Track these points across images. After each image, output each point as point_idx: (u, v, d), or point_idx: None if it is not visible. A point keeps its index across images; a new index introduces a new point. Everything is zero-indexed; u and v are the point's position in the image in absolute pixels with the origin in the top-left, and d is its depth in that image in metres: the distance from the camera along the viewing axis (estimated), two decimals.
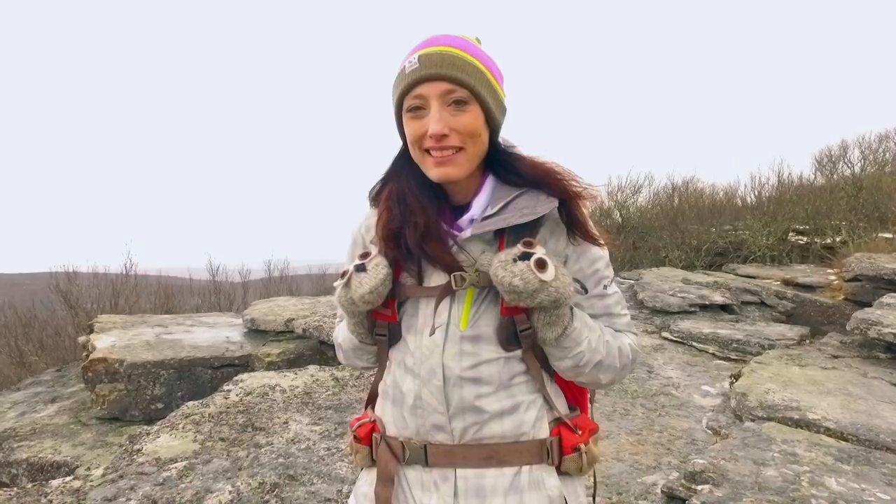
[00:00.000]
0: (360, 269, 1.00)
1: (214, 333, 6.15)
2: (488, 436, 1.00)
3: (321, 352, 5.50)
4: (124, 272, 7.97)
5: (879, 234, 10.15)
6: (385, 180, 1.09)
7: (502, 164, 1.05)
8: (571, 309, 0.99)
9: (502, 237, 1.00)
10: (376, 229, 1.05)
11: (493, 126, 1.02)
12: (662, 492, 2.73)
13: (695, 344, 5.14)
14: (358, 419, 1.16)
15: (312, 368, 4.11)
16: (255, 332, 6.06)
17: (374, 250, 1.04)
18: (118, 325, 6.36)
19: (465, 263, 1.00)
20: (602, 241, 1.06)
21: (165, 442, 2.99)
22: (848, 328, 4.81)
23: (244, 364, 5.51)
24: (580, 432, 1.04)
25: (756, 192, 11.62)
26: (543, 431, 1.02)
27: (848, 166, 11.33)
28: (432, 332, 0.99)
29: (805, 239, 10.61)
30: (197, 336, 6.05)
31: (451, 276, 0.98)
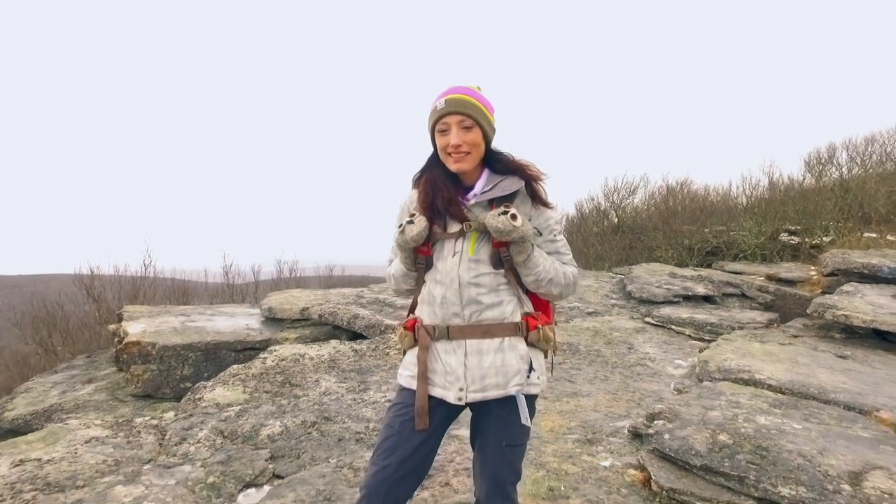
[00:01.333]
0: (410, 222, 1.77)
1: (234, 321, 6.91)
2: (485, 319, 1.76)
3: (335, 336, 6.25)
4: (143, 268, 8.73)
5: (865, 234, 10.96)
6: (423, 172, 1.87)
7: (493, 161, 1.82)
8: (532, 245, 1.75)
9: (493, 203, 1.77)
10: (418, 200, 1.82)
11: (487, 139, 1.79)
12: (628, 430, 3.50)
13: (673, 327, 5.91)
14: (405, 321, 1.93)
15: (334, 342, 4.87)
16: (273, 320, 6.81)
17: (417, 213, 1.81)
18: (145, 315, 7.11)
19: (471, 218, 1.77)
20: (552, 206, 1.84)
21: (220, 393, 3.75)
22: (808, 312, 5.59)
23: (264, 347, 6.24)
24: (539, 320, 1.81)
25: (748, 194, 12.42)
26: (517, 317, 1.79)
27: (836, 168, 12.13)
28: (453, 256, 1.76)
29: (797, 239, 11.40)
30: (218, 323, 6.80)
31: (463, 224, 1.75)
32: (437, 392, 1.78)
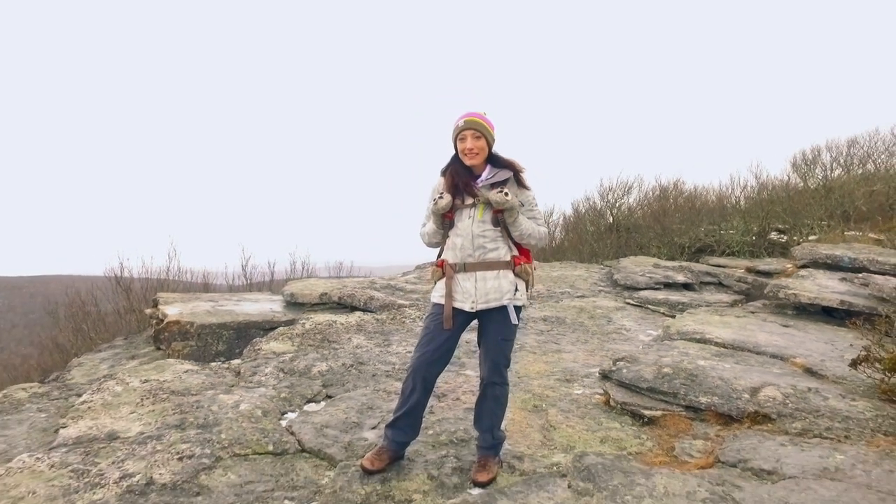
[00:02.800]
0: (441, 197, 2.96)
1: (259, 306, 8.08)
2: (487, 258, 2.94)
3: None
4: (168, 261, 9.90)
5: (847, 232, 12.20)
6: (448, 166, 3.05)
7: (493, 159, 3.02)
8: (518, 212, 2.94)
9: (493, 186, 2.97)
10: (445, 183, 3.02)
11: (490, 145, 2.98)
12: (599, 373, 4.68)
13: (649, 306, 7.11)
14: (436, 262, 3.12)
15: (358, 313, 6.06)
16: (294, 304, 7.98)
17: (444, 192, 3.01)
18: (178, 300, 8.27)
19: (479, 195, 2.97)
20: (530, 188, 3.04)
21: (274, 345, 4.94)
22: (765, 292, 6.81)
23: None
24: (521, 260, 3.01)
25: (737, 194, 13.66)
26: (508, 258, 2.96)
27: (821, 169, 13.39)
28: (468, 219, 2.95)
29: (786, 237, 12.62)
30: (245, 307, 7.97)
31: (474, 199, 2.95)
32: (457, 304, 2.98)
